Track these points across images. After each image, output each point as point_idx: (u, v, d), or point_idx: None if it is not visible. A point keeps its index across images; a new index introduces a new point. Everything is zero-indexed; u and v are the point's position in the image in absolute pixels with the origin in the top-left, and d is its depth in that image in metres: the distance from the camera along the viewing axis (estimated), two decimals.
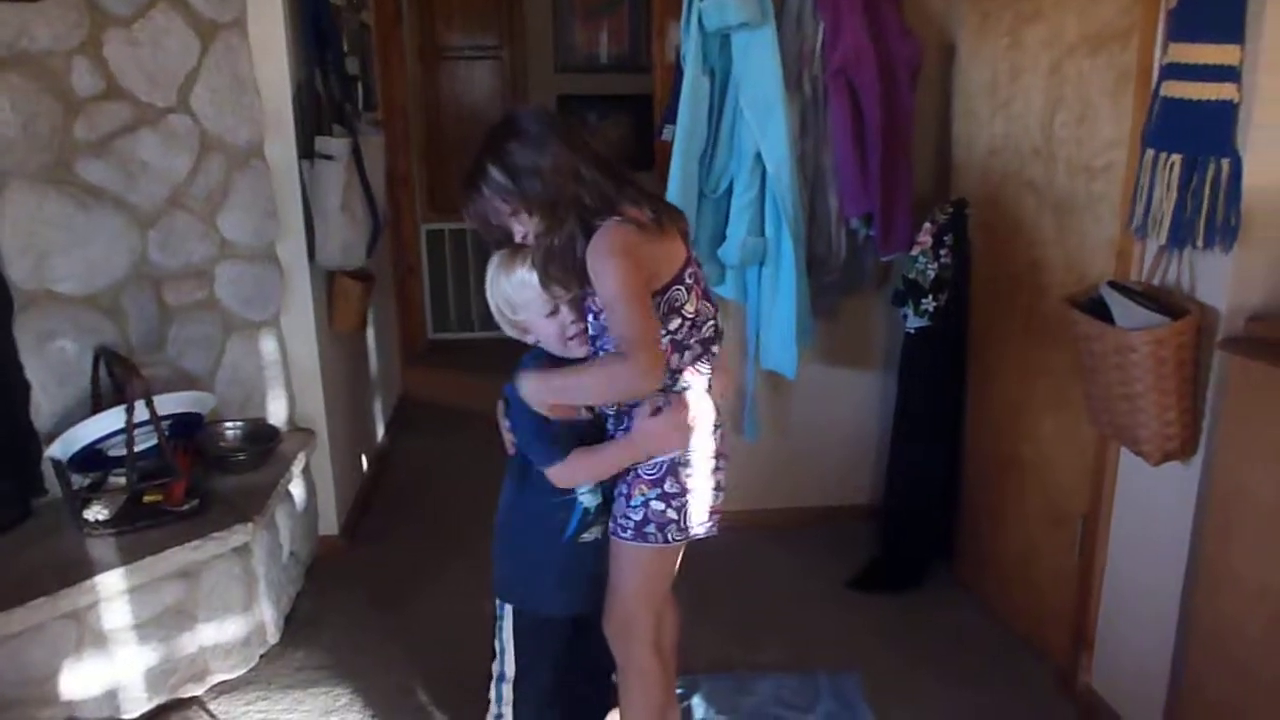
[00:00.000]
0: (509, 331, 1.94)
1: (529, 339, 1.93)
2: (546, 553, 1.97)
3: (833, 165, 3.03)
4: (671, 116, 3.12)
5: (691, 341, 1.86)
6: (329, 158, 2.89)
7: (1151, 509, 2.26)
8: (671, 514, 1.91)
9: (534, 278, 1.81)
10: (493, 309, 1.92)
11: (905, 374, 3.10)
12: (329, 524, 3.35)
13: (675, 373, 1.85)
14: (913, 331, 3.00)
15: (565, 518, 1.94)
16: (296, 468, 3.02)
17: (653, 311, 1.75)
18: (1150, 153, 2.05)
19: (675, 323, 1.83)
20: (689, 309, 1.83)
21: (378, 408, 4.20)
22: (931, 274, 2.92)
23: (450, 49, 5.40)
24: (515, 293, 1.85)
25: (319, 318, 3.22)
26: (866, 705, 2.53)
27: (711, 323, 1.91)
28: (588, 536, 1.97)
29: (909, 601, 3.05)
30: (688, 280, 1.83)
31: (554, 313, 1.85)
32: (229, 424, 2.99)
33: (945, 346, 2.99)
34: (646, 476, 1.91)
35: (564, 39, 5.50)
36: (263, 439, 2.98)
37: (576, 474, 1.87)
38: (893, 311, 3.26)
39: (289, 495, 3.01)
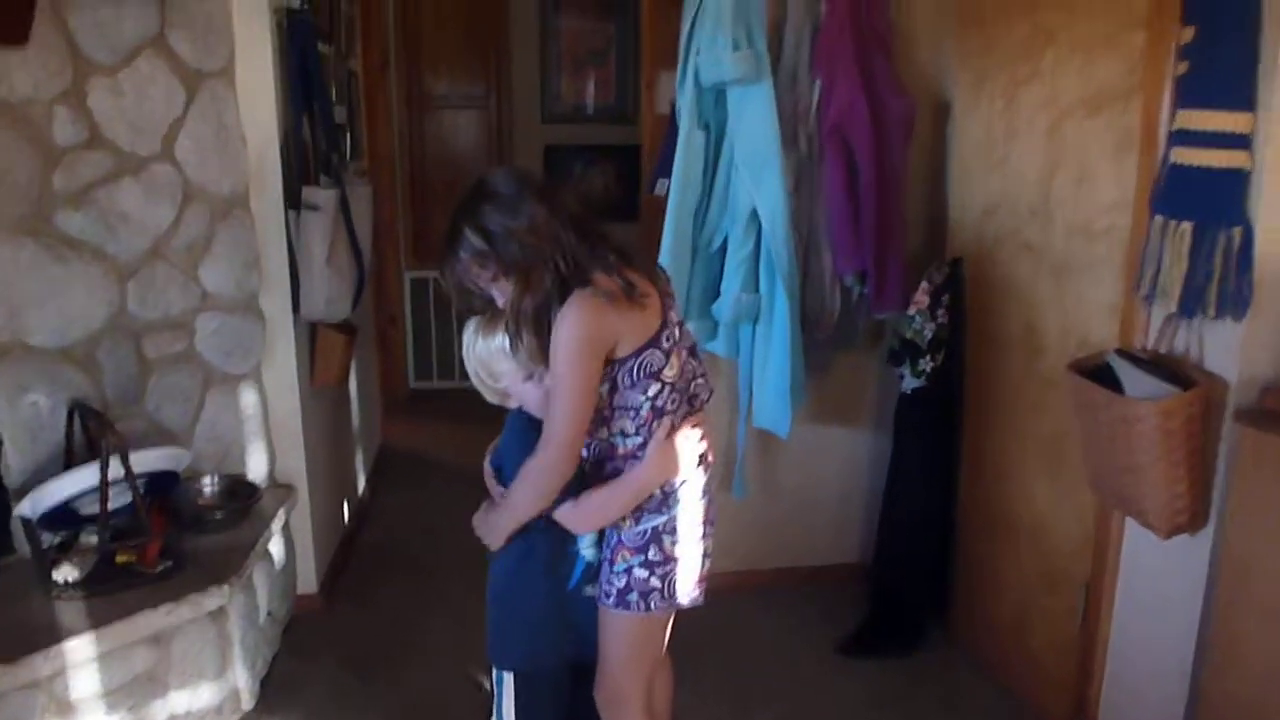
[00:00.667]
0: (490, 398, 1.90)
1: (511, 404, 1.89)
2: (548, 603, 1.92)
3: (826, 222, 3.00)
4: (665, 170, 3.09)
5: (672, 406, 1.82)
6: (315, 208, 2.83)
7: (1160, 580, 2.21)
8: (655, 582, 1.86)
9: (508, 344, 1.79)
10: (471, 375, 1.89)
11: (900, 433, 3.05)
12: (307, 582, 3.24)
13: (644, 439, 1.82)
14: (909, 392, 2.96)
15: (568, 571, 1.91)
16: (276, 525, 2.92)
17: (588, 401, 1.74)
18: (1159, 219, 2.03)
19: (654, 388, 1.79)
20: (669, 373, 1.80)
21: (359, 459, 4.10)
22: (929, 334, 2.89)
23: (437, 98, 5.37)
24: (493, 360, 1.83)
25: (301, 371, 3.14)
26: None
27: (700, 379, 1.90)
28: (589, 590, 1.93)
29: (904, 664, 2.97)
30: (665, 344, 1.79)
31: (529, 378, 1.81)
32: (206, 480, 2.89)
33: (941, 406, 2.95)
34: (630, 543, 1.86)
35: (551, 89, 5.49)
36: (241, 496, 2.88)
37: (589, 513, 1.83)
38: (884, 369, 3.22)
39: (267, 554, 2.91)
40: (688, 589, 1.90)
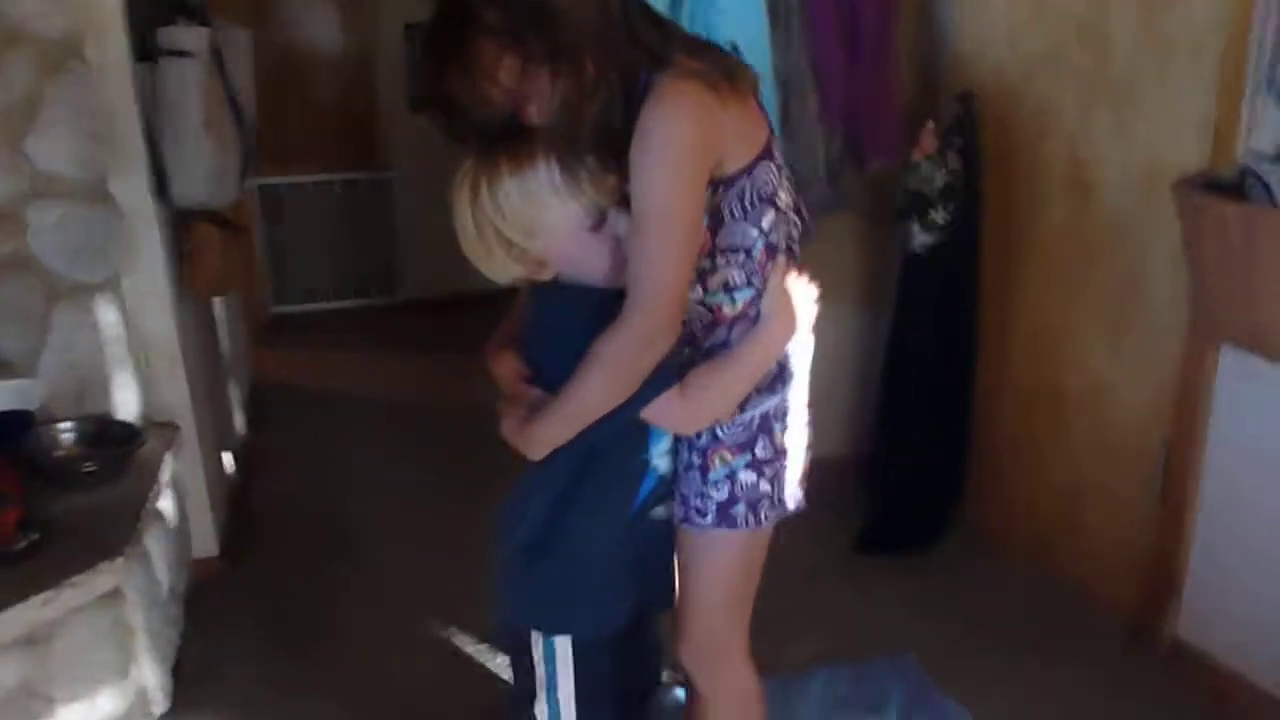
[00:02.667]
0: (505, 277, 1.33)
1: (544, 275, 1.32)
2: (615, 545, 1.39)
3: (812, 58, 2.55)
4: None
5: (786, 243, 1.34)
6: (183, 54, 2.13)
7: (1273, 431, 1.93)
8: (765, 486, 1.40)
9: (558, 173, 1.23)
10: (478, 246, 1.30)
11: (906, 302, 2.67)
12: (205, 544, 2.60)
13: (757, 291, 1.33)
14: (919, 251, 2.57)
15: (633, 490, 1.39)
16: (164, 475, 2.26)
17: (696, 239, 1.24)
18: None
19: (769, 217, 1.30)
20: (783, 197, 1.32)
21: (234, 396, 3.40)
22: (940, 182, 2.50)
23: None
24: (533, 206, 1.25)
25: (172, 276, 2.44)
26: (941, 693, 2.11)
27: (802, 209, 1.40)
28: (658, 512, 1.43)
29: (931, 560, 2.66)
30: (776, 155, 1.30)
31: (600, 223, 1.27)
32: (65, 424, 2.18)
33: (957, 267, 2.59)
34: (731, 439, 1.37)
35: None
36: (116, 441, 2.19)
37: (707, 401, 1.31)
38: (875, 235, 2.84)
39: (158, 514, 2.25)
40: (794, 489, 1.45)
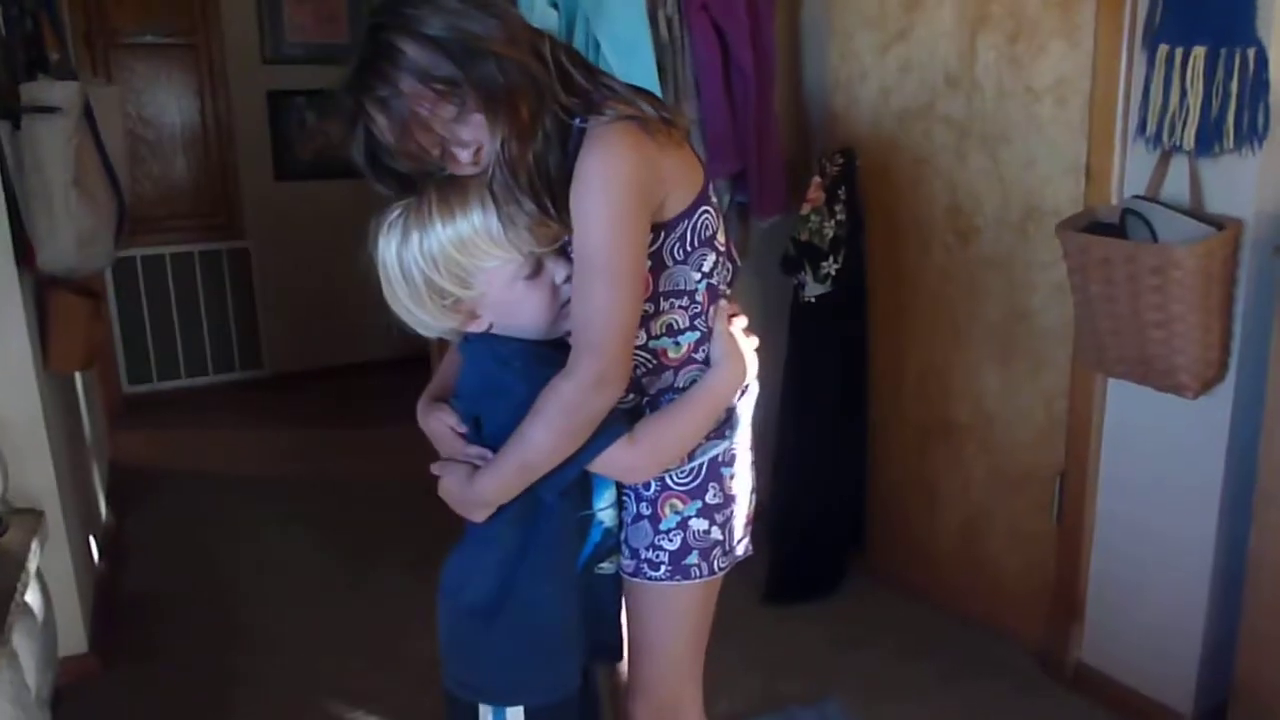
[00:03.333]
0: (435, 330, 1.28)
1: (476, 326, 1.27)
2: (565, 606, 1.33)
3: (697, 116, 2.62)
4: None
5: (724, 285, 1.34)
6: (50, 110, 1.99)
7: (1161, 453, 2.04)
8: (717, 533, 1.37)
9: (495, 220, 1.20)
10: (407, 298, 1.24)
11: (799, 349, 2.72)
12: (74, 640, 2.36)
13: (701, 334, 1.32)
14: (812, 300, 2.64)
15: (577, 548, 1.34)
16: (32, 564, 2.05)
17: (641, 282, 1.22)
18: (1164, 49, 1.83)
19: (710, 259, 1.30)
20: (720, 239, 1.32)
21: (96, 478, 3.15)
22: (829, 232, 2.58)
23: (126, 35, 4.32)
24: (466, 251, 1.20)
25: (35, 350, 2.25)
26: None
27: (730, 258, 1.41)
28: (605, 567, 1.39)
29: (838, 604, 2.69)
30: (713, 198, 1.31)
31: (537, 272, 1.24)
32: None
33: (846, 313, 2.67)
34: (680, 487, 1.35)
35: (272, 24, 4.62)
36: None
37: (659, 449, 1.28)
38: (768, 286, 2.89)
39: (25, 608, 2.04)
40: (741, 535, 1.43)
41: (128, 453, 3.88)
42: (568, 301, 1.22)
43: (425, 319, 1.25)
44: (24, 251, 2.15)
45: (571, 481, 1.25)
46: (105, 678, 2.39)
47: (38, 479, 2.26)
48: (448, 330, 1.28)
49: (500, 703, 1.32)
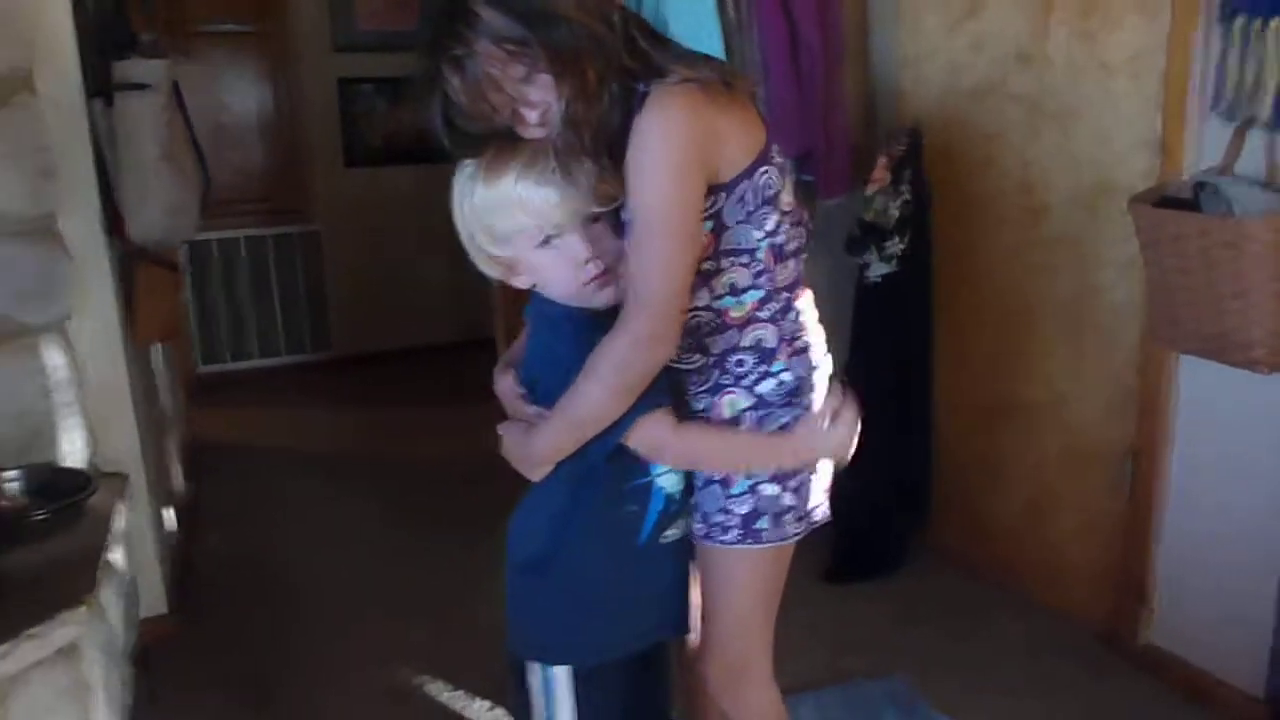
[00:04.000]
0: (491, 272, 1.34)
1: (519, 283, 1.33)
2: (618, 570, 1.36)
3: (765, 96, 2.62)
4: None
5: (793, 246, 1.35)
6: (142, 87, 2.08)
7: (1234, 432, 2.01)
8: (789, 498, 1.36)
9: (528, 188, 1.24)
10: (464, 239, 1.32)
11: (863, 330, 2.72)
12: (155, 601, 2.46)
13: (787, 298, 1.34)
14: (877, 280, 2.63)
15: (639, 513, 1.35)
16: (117, 526, 2.14)
17: (695, 242, 1.24)
18: (1240, 20, 1.80)
19: (772, 220, 1.30)
20: (786, 198, 1.32)
21: (173, 449, 3.26)
22: (895, 213, 2.58)
23: (199, 25, 4.46)
24: (497, 212, 1.26)
25: (123, 319, 2.35)
26: (928, 706, 2.11)
27: (802, 226, 1.41)
28: (671, 534, 1.39)
29: (901, 584, 2.68)
30: (776, 158, 1.32)
31: (546, 241, 1.27)
32: (10, 473, 2.06)
33: (911, 293, 2.66)
34: None
35: (342, 12, 4.72)
36: (66, 490, 2.06)
37: (692, 448, 1.32)
38: (833, 267, 2.89)
39: (111, 566, 2.13)
40: (819, 499, 1.44)
41: (201, 429, 4.01)
42: (593, 277, 1.27)
43: (483, 265, 1.33)
44: (113, 223, 2.24)
45: (617, 444, 1.28)
46: (184, 638, 2.48)
47: (122, 444, 2.36)
48: (497, 278, 1.35)
49: (549, 660, 1.36)
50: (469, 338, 4.85)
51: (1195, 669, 2.13)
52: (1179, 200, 1.92)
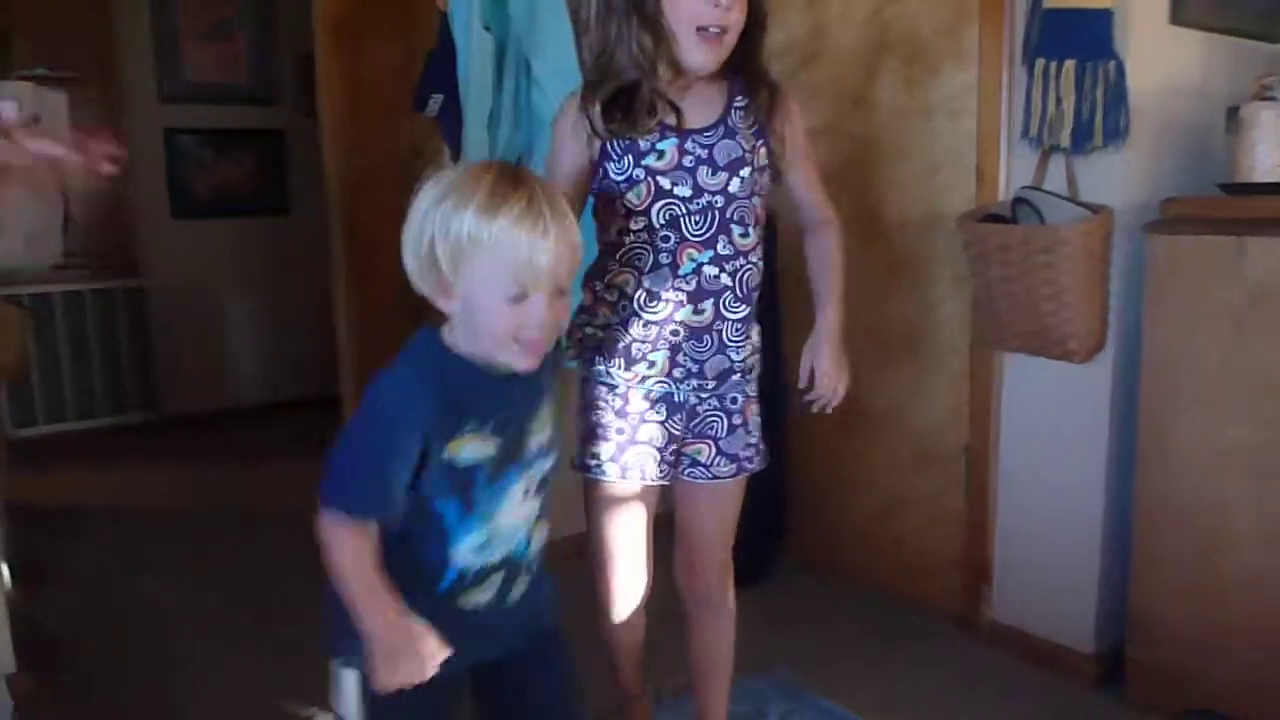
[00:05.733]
0: (421, 285, 1.23)
1: (443, 306, 1.23)
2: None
3: None
4: (435, 85, 2.69)
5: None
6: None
7: (1054, 419, 2.30)
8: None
9: (517, 240, 1.17)
10: (410, 240, 1.21)
11: None
12: (3, 660, 2.28)
13: None
14: None
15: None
16: None
17: None
18: (1041, 63, 2.13)
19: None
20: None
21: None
22: None
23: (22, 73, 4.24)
24: (474, 245, 1.17)
25: None
26: (810, 692, 2.25)
27: None
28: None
29: (768, 591, 2.83)
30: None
31: (521, 299, 1.20)
32: None
33: (765, 313, 2.85)
34: (754, 395, 1.77)
35: (169, 63, 4.61)
36: None
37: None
38: None
39: None
40: None
41: (20, 494, 3.72)
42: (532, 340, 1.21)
43: (413, 267, 1.22)
44: None
45: None
46: (36, 696, 2.31)
47: None
48: (422, 289, 1.24)
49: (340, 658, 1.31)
50: (305, 396, 4.77)
51: (1036, 638, 2.39)
52: (999, 216, 2.22)
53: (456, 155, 2.67)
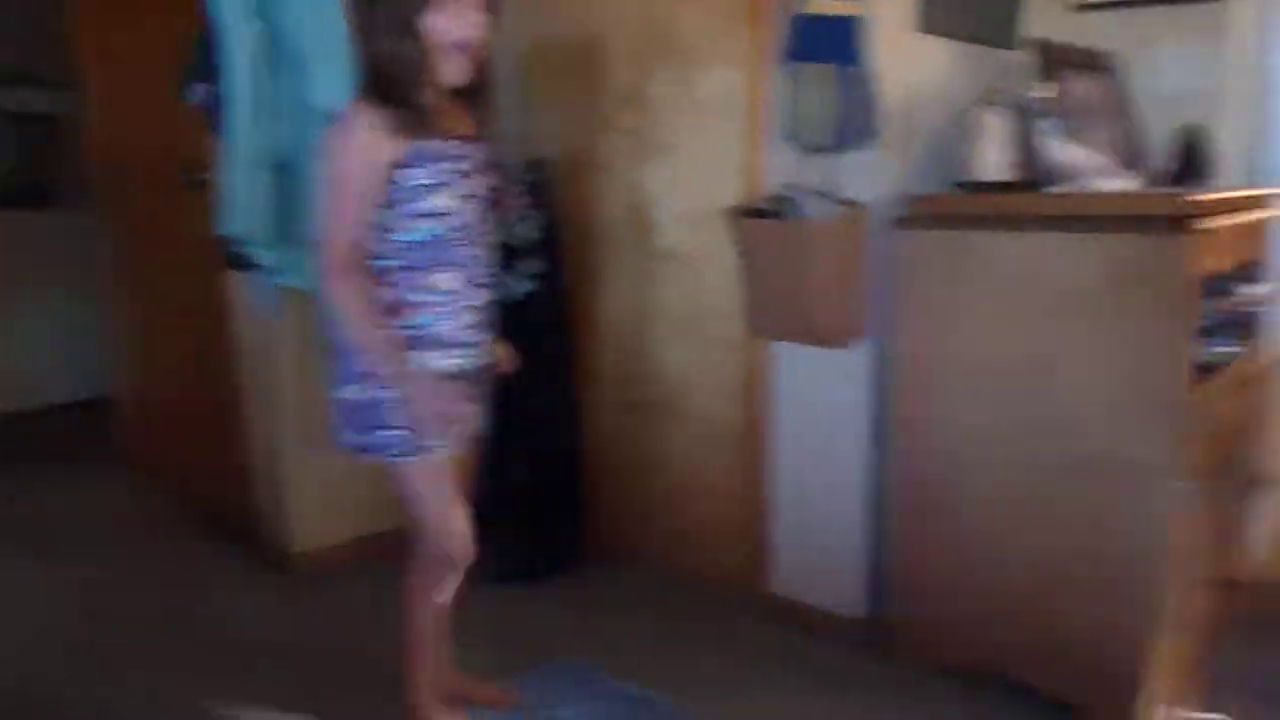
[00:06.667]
0: None
1: None
2: None
3: None
4: (200, 74, 2.58)
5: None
6: None
7: (821, 400, 2.45)
8: None
9: None
10: None
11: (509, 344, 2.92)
12: None
13: None
14: (519, 297, 2.84)
15: None
16: None
17: None
18: (797, 66, 2.25)
19: None
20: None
21: None
22: (528, 236, 2.81)
23: None
24: None
25: None
26: (609, 678, 2.32)
27: None
28: None
29: (566, 582, 2.88)
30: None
31: None
32: None
33: (550, 307, 2.90)
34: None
35: None
36: None
37: None
38: None
39: None
40: None
41: None
42: None
43: None
44: None
45: None
46: None
47: None
48: None
49: None
50: (82, 398, 4.46)
51: (812, 608, 2.54)
52: (766, 211, 2.33)
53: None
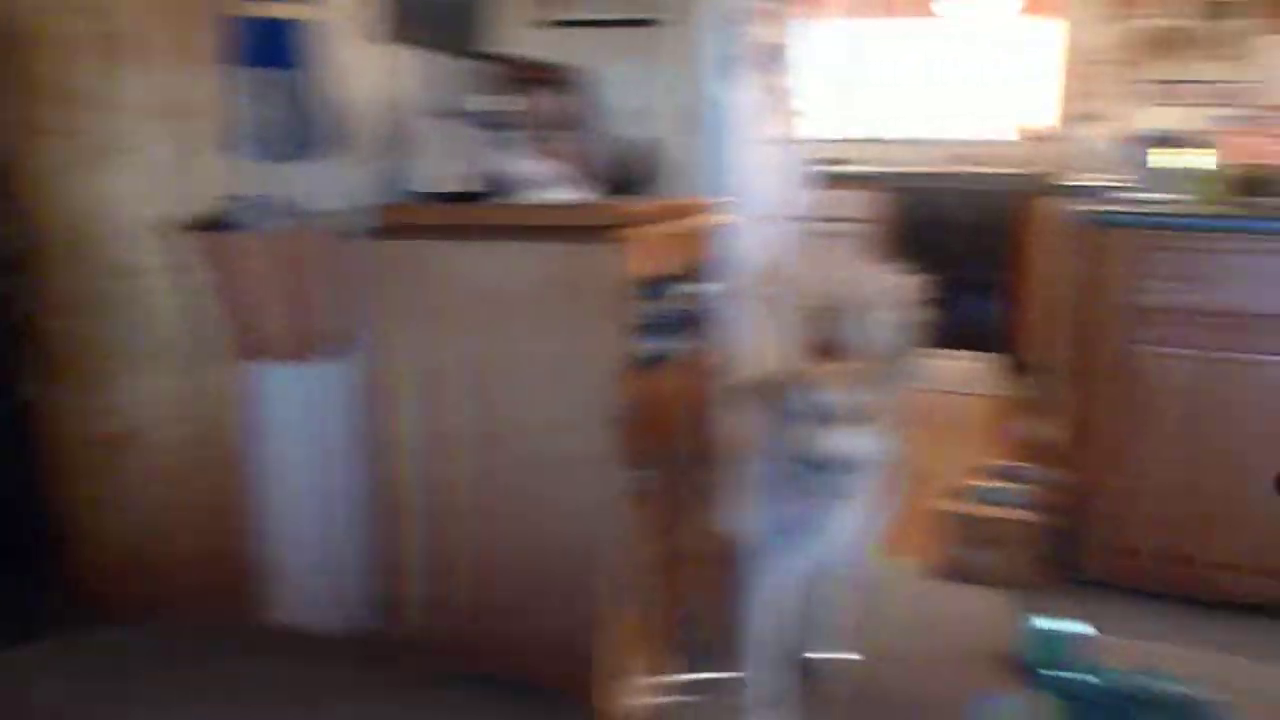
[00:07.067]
0: None
1: None
2: None
3: None
4: None
5: None
6: None
7: (303, 419, 2.36)
8: None
9: None
10: None
11: None
12: None
13: None
14: None
15: None
16: None
17: None
18: (250, 72, 2.13)
19: None
20: None
21: None
22: None
23: None
24: None
25: None
26: None
27: None
28: None
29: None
30: None
31: None
32: None
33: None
34: None
35: None
36: None
37: None
38: None
39: None
40: None
41: None
42: None
43: None
44: None
45: None
46: None
47: None
48: None
49: None
50: None
51: (314, 629, 2.45)
52: (221, 223, 2.18)
53: None
